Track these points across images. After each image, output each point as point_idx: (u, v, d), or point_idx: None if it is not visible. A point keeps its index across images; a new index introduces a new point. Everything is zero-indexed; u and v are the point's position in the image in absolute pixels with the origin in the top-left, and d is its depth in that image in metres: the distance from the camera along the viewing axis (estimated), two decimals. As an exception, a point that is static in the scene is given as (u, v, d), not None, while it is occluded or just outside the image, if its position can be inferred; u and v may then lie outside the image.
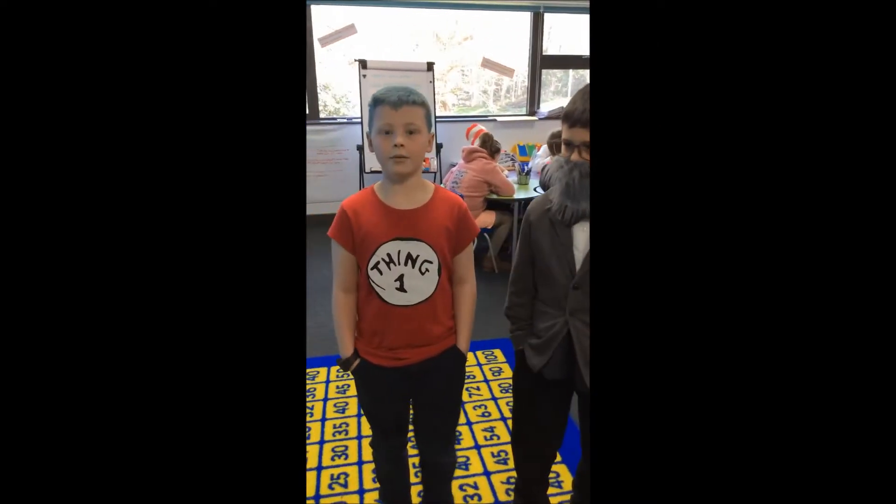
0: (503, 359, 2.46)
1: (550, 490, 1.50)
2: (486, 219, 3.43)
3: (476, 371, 2.36)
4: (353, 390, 2.19)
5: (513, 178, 3.66)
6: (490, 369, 2.39)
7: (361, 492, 1.68)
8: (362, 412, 1.39)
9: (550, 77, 5.17)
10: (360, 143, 4.18)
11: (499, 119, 4.80)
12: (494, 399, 2.17)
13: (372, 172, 4.04)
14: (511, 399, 2.08)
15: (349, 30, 4.25)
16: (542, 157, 3.97)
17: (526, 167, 3.89)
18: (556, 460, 1.64)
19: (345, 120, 4.57)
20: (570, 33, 5.10)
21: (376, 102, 1.10)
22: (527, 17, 4.74)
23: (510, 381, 2.24)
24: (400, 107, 1.07)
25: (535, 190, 3.49)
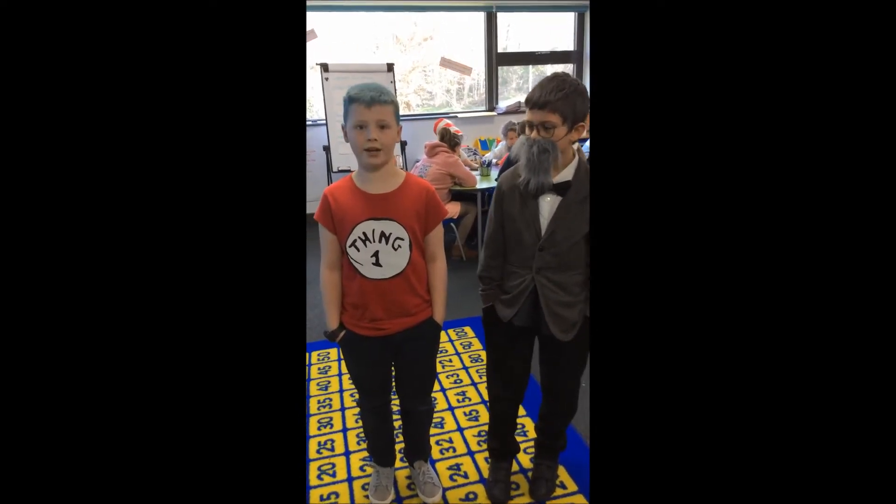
0: (472, 334, 2.69)
1: (518, 439, 1.74)
2: (452, 209, 3.64)
3: (448, 346, 2.58)
4: (333, 370, 2.38)
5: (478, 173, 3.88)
6: (461, 343, 2.61)
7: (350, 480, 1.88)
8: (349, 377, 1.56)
9: (511, 74, 5.41)
10: (326, 143, 4.33)
11: (460, 115, 5.03)
12: (465, 368, 2.39)
13: (339, 172, 4.20)
14: (479, 367, 2.31)
15: (310, 35, 4.39)
16: (500, 150, 4.22)
17: (486, 160, 4.12)
18: (520, 414, 1.86)
19: (310, 122, 4.70)
20: (530, 31, 5.35)
21: (351, 100, 1.26)
22: (481, 16, 4.97)
23: (479, 353, 2.47)
24: (372, 105, 1.24)
25: (495, 181, 3.72)
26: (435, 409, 1.76)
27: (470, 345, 2.60)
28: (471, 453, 1.85)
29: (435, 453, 1.84)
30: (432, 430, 1.78)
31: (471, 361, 2.45)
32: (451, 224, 3.72)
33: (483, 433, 1.91)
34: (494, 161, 4.14)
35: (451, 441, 1.91)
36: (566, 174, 1.31)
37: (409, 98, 5.26)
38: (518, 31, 5.30)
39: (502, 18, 5.04)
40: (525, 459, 1.79)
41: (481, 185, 3.66)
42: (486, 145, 4.91)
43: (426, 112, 5.22)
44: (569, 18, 5.38)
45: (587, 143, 3.98)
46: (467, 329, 2.75)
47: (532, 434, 1.85)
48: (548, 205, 1.33)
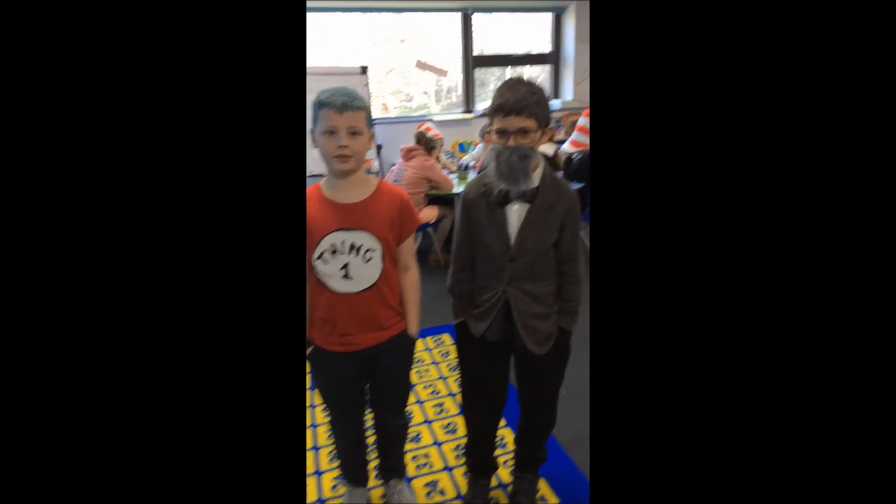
0: (451, 342, 2.63)
1: (497, 451, 1.68)
2: (429, 213, 3.58)
3: (425, 355, 2.51)
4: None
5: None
6: (439, 352, 2.55)
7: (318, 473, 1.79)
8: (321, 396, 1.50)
9: (489, 76, 5.37)
10: (301, 147, 4.23)
11: (436, 119, 4.97)
12: (443, 378, 2.33)
13: (312, 176, 4.10)
14: (458, 377, 2.24)
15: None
16: (477, 152, 4.17)
17: (463, 163, 4.07)
18: (500, 425, 1.81)
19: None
20: (507, 32, 5.32)
21: (321, 105, 1.20)
22: (458, 18, 4.92)
23: (457, 362, 2.40)
24: (344, 111, 1.18)
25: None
26: (411, 423, 1.70)
27: (448, 353, 2.53)
28: (448, 469, 1.78)
29: (411, 470, 1.77)
30: (408, 445, 1.71)
31: (449, 371, 2.38)
32: (428, 229, 3.65)
33: (461, 447, 1.85)
34: (472, 164, 4.09)
35: (427, 456, 1.85)
36: (534, 180, 1.26)
37: (387, 100, 5.19)
38: (496, 33, 5.26)
39: (480, 20, 4.99)
40: (504, 473, 1.74)
41: (459, 188, 3.61)
42: (463, 148, 4.86)
43: (403, 115, 5.16)
44: (546, 19, 5.37)
45: (565, 144, 3.97)
46: (445, 337, 2.69)
47: (512, 446, 1.79)
48: (515, 213, 1.28)
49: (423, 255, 3.80)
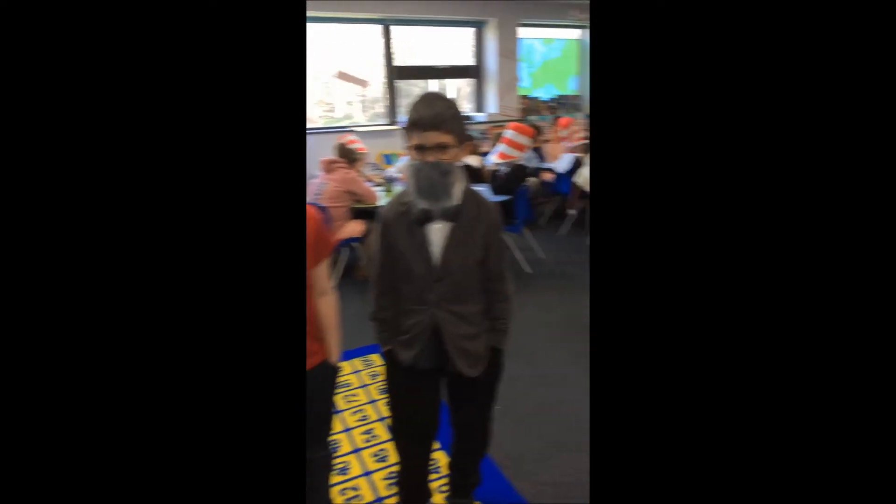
0: (380, 362, 2.51)
1: (431, 476, 1.59)
2: (355, 228, 3.46)
3: (353, 378, 2.39)
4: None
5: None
6: (368, 374, 2.43)
7: None
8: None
9: (413, 87, 5.33)
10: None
11: (360, 130, 4.86)
12: (373, 402, 2.21)
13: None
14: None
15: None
16: (403, 164, 4.10)
17: (388, 175, 3.99)
18: (435, 447, 1.73)
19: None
20: (431, 45, 5.31)
21: None
22: (379, 29, 4.86)
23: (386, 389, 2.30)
24: None
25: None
26: (337, 454, 1.58)
27: (377, 374, 2.42)
28: (379, 500, 1.68)
29: (338, 500, 1.65)
30: (335, 478, 1.60)
31: (378, 394, 2.27)
32: (355, 244, 3.53)
33: (394, 475, 1.75)
34: (398, 176, 4.02)
35: (357, 489, 1.73)
36: (455, 197, 1.20)
37: (309, 110, 5.02)
38: (417, 46, 5.25)
39: (400, 32, 4.95)
40: (439, 500, 1.66)
41: (384, 201, 3.52)
42: (388, 160, 4.78)
43: (327, 125, 5.00)
44: (468, 34, 5.43)
45: (491, 156, 3.99)
46: (374, 357, 2.57)
47: (446, 470, 1.72)
48: (437, 232, 1.21)
49: (349, 269, 3.68)
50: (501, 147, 3.83)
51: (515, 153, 3.79)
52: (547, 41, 5.99)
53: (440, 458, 1.82)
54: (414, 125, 1.14)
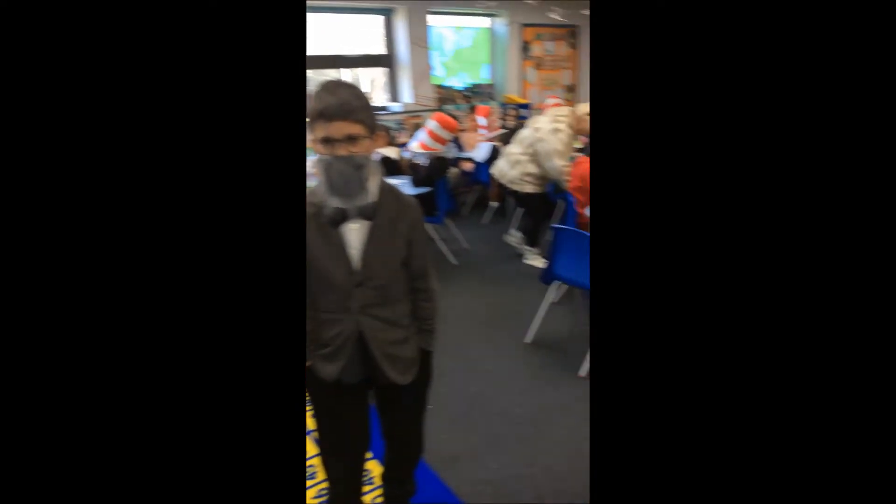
0: (303, 370, 2.39)
1: (364, 488, 1.50)
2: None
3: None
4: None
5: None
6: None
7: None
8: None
9: (323, 78, 5.11)
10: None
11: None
12: (297, 414, 2.09)
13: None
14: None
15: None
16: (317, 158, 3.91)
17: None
18: (368, 456, 1.64)
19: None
20: (341, 33, 5.10)
21: None
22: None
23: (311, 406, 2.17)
24: None
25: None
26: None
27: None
28: (310, 522, 1.57)
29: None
30: None
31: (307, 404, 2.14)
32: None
33: (324, 492, 1.64)
34: (311, 171, 3.83)
35: (284, 512, 1.61)
36: (371, 193, 1.11)
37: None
38: (326, 34, 5.03)
39: (308, 20, 4.72)
40: (374, 513, 1.58)
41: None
42: (302, 154, 4.55)
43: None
44: (377, 21, 5.27)
45: (410, 146, 3.91)
46: (297, 365, 2.43)
47: (379, 481, 1.64)
48: (354, 232, 1.11)
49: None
50: (423, 137, 3.74)
51: (438, 146, 3.72)
52: (458, 29, 5.97)
53: (373, 469, 1.73)
54: (319, 116, 1.02)
